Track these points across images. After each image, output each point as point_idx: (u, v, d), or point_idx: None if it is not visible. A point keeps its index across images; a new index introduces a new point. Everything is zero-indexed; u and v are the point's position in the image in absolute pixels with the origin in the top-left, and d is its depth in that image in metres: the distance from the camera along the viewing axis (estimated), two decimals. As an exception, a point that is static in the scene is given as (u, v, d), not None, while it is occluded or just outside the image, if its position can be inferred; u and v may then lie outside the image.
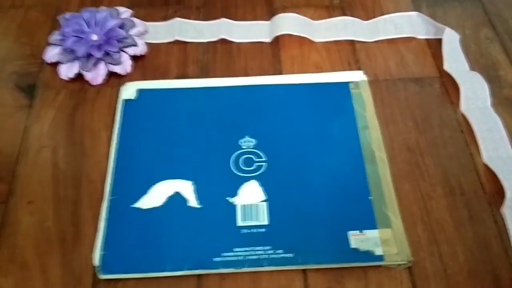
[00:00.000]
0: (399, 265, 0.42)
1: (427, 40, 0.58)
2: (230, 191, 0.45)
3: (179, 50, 0.57)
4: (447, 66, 0.54)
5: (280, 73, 0.55)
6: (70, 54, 0.54)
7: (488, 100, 0.52)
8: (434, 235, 0.43)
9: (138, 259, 0.41)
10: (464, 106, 0.52)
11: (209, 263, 0.41)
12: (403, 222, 0.43)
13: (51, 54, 0.55)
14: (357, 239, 0.42)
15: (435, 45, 0.57)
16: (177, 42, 0.57)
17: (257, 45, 0.57)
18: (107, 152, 0.48)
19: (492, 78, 0.54)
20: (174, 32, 0.58)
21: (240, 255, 0.41)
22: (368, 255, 0.41)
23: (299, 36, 0.57)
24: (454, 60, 0.55)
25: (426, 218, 0.44)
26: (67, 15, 0.57)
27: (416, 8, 0.61)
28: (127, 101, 0.51)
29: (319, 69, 0.55)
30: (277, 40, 0.58)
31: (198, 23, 0.59)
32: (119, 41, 0.54)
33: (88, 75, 0.53)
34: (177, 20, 0.59)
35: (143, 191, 0.45)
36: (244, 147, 0.48)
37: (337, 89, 0.52)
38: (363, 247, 0.42)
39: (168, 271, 0.41)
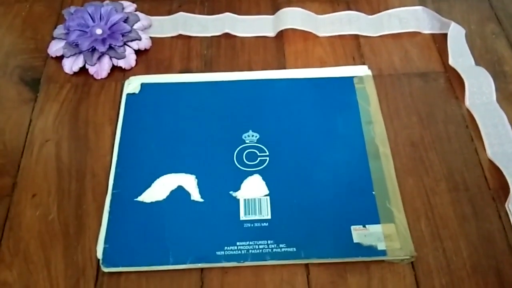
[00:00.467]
0: (402, 260, 0.41)
1: (432, 34, 0.58)
2: (233, 185, 0.45)
3: (183, 44, 0.57)
4: (452, 61, 0.54)
5: (284, 68, 0.55)
6: (75, 48, 0.54)
7: (493, 96, 0.51)
8: (438, 230, 0.43)
9: (141, 252, 0.41)
10: (469, 101, 0.51)
11: (212, 257, 0.41)
12: (407, 217, 0.43)
13: (56, 48, 0.55)
14: (360, 233, 0.42)
15: (440, 40, 0.57)
16: (181, 36, 0.57)
17: (261, 40, 0.57)
18: (111, 145, 0.48)
19: (498, 73, 0.53)
20: (178, 27, 0.58)
21: (243, 249, 0.41)
22: (371, 250, 0.41)
23: (303, 31, 0.57)
24: (460, 55, 0.55)
25: (430, 213, 0.44)
26: (72, 9, 0.57)
27: (421, 3, 0.60)
28: (131, 95, 0.51)
29: (323, 63, 0.55)
30: (281, 34, 0.57)
31: (202, 18, 0.59)
32: (123, 35, 0.55)
33: (92, 69, 0.53)
34: (181, 14, 0.59)
35: (146, 185, 0.45)
36: (247, 141, 0.48)
37: (341, 84, 0.52)
38: (366, 241, 0.42)
39: (171, 264, 0.41)
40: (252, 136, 0.48)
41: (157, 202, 0.44)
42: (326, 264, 0.41)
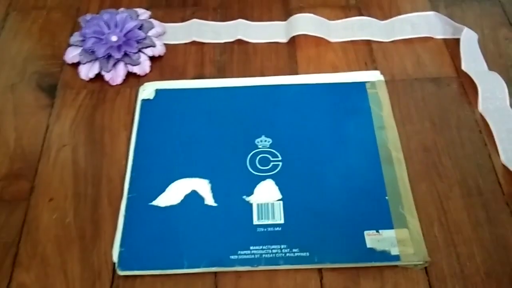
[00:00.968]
0: (415, 265, 0.41)
1: (445, 40, 0.58)
2: (246, 189, 0.45)
3: (197, 50, 0.58)
4: (465, 66, 0.54)
5: (296, 73, 0.55)
6: (90, 55, 0.55)
7: (506, 101, 0.51)
8: (451, 235, 0.43)
9: (156, 256, 0.42)
10: (482, 106, 0.51)
11: (226, 261, 0.41)
12: (420, 223, 0.43)
13: (72, 54, 0.56)
14: (373, 239, 0.42)
15: (452, 45, 0.57)
16: (194, 43, 0.58)
17: (273, 46, 0.58)
18: (126, 151, 0.49)
19: (511, 78, 0.53)
20: (191, 33, 0.58)
21: (256, 253, 0.42)
22: (384, 255, 0.41)
23: (315, 36, 0.57)
24: (472, 60, 0.55)
25: (443, 219, 0.44)
26: (88, 16, 0.58)
27: (434, 8, 0.60)
28: (145, 101, 0.52)
29: (335, 69, 0.55)
30: (293, 40, 0.58)
31: (215, 24, 0.59)
32: (138, 42, 0.55)
33: (107, 76, 0.54)
34: (195, 21, 0.60)
35: (161, 189, 0.46)
36: (260, 146, 0.48)
37: (353, 89, 0.52)
38: (379, 247, 0.42)
39: (185, 268, 0.41)
40: (265, 141, 0.49)
41: (171, 206, 0.45)
42: (340, 269, 0.41)
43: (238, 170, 0.47)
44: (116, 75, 0.54)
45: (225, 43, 0.58)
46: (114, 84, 0.54)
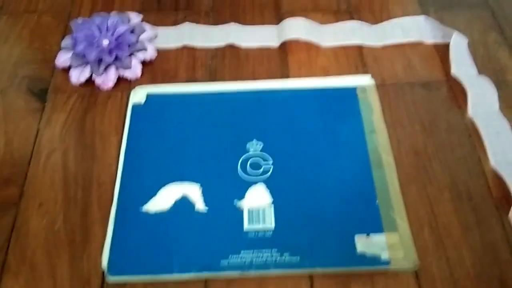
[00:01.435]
0: (405, 269, 0.41)
1: (435, 44, 0.58)
2: (237, 194, 0.45)
3: (188, 55, 0.57)
4: (455, 70, 0.54)
5: (288, 78, 0.55)
6: (82, 58, 0.55)
7: (496, 105, 0.52)
8: (441, 239, 0.43)
9: (146, 261, 0.42)
10: (472, 110, 0.51)
11: (216, 266, 0.41)
12: (410, 226, 0.44)
13: (63, 59, 0.56)
14: (364, 243, 0.42)
15: (442, 49, 0.57)
16: (186, 47, 0.58)
17: (265, 50, 0.58)
18: (117, 155, 0.49)
19: (500, 82, 0.54)
20: (183, 37, 0.58)
21: (247, 258, 0.42)
22: (374, 260, 0.41)
23: (307, 41, 0.58)
24: (462, 64, 0.55)
25: (433, 223, 0.44)
26: (79, 20, 0.58)
27: (424, 12, 0.61)
28: (136, 105, 0.52)
29: (326, 73, 0.55)
30: (285, 44, 0.58)
31: (207, 28, 0.59)
32: (129, 46, 0.55)
33: (98, 80, 0.54)
34: (187, 25, 0.59)
35: (151, 194, 0.45)
36: (251, 150, 0.48)
37: (344, 93, 0.53)
38: (369, 251, 0.42)
39: (175, 273, 0.41)
40: (257, 144, 0.49)
41: (162, 211, 0.45)
42: (330, 275, 0.41)
43: (229, 174, 0.47)
44: (107, 79, 0.54)
45: (216, 47, 0.58)
46: (105, 88, 0.54)
